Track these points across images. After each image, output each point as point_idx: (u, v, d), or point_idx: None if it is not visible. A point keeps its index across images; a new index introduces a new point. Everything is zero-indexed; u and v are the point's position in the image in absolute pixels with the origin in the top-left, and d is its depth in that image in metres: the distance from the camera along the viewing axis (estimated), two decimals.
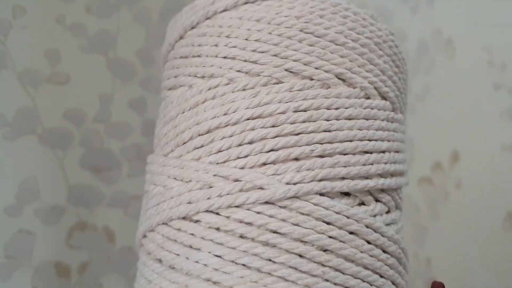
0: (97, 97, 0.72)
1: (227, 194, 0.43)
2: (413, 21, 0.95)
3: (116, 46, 0.73)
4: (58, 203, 0.68)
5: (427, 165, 0.96)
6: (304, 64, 0.45)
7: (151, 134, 0.73)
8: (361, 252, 0.44)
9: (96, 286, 0.71)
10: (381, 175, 0.46)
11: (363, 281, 0.44)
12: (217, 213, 0.43)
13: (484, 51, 1.00)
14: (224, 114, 0.44)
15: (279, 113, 0.44)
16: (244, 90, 0.45)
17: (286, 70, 0.45)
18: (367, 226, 0.44)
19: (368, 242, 0.44)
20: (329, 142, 0.44)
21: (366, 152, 0.46)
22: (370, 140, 0.46)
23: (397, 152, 0.48)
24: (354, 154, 0.45)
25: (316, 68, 0.45)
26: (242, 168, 0.43)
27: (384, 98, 0.48)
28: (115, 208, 0.72)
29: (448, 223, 0.96)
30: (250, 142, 0.44)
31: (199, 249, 0.43)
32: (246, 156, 0.43)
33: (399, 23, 0.93)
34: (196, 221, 0.44)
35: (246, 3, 0.47)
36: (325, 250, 0.43)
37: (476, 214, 0.97)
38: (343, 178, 0.44)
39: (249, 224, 0.43)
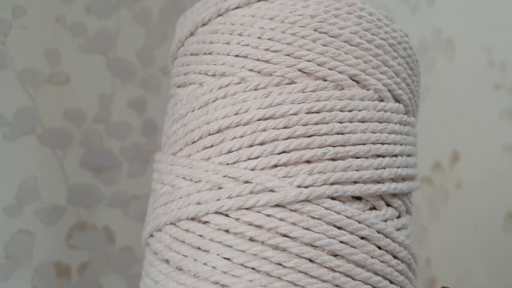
0: (97, 97, 0.71)
1: (237, 196, 0.42)
2: (413, 21, 0.94)
3: (116, 46, 0.72)
4: (58, 203, 0.68)
5: (427, 165, 0.96)
6: (318, 65, 0.44)
7: (151, 134, 0.72)
8: (372, 257, 0.43)
9: (96, 286, 0.71)
10: (393, 180, 0.46)
11: (374, 287, 0.43)
12: (227, 215, 0.43)
13: (484, 51, 1.00)
14: (235, 114, 0.44)
15: (291, 114, 0.43)
16: (256, 89, 0.44)
17: (299, 70, 0.44)
18: (378, 231, 0.43)
19: (379, 248, 0.44)
20: (341, 145, 0.43)
21: (379, 156, 0.45)
22: (383, 144, 0.45)
23: (409, 156, 0.48)
24: (367, 157, 0.44)
25: (330, 69, 0.44)
26: (252, 169, 0.42)
27: (397, 100, 0.47)
28: (115, 208, 0.72)
29: (448, 223, 0.96)
30: (261, 143, 0.43)
31: (207, 251, 0.43)
32: (257, 158, 0.43)
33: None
34: (205, 222, 0.43)
35: (259, 0, 0.46)
36: (336, 255, 0.42)
37: (476, 214, 0.97)
38: (355, 182, 0.43)
39: (259, 227, 0.42)
